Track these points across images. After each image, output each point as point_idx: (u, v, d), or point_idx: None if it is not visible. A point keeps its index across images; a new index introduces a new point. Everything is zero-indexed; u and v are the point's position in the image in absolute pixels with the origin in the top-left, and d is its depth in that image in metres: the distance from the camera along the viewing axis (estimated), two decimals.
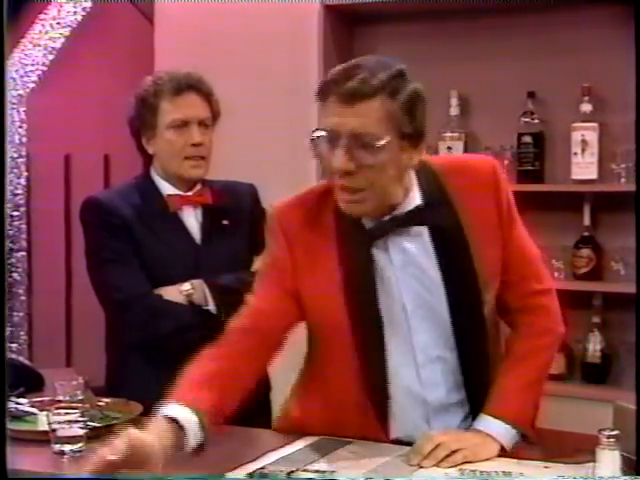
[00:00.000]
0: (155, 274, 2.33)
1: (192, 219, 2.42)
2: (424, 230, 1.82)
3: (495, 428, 1.85)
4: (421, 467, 1.75)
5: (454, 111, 3.51)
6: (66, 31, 4.23)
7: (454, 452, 1.78)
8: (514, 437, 1.87)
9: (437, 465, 1.75)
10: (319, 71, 3.58)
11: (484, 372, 1.91)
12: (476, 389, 1.90)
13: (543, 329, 1.92)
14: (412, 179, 1.82)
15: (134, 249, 2.33)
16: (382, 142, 1.67)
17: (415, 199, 1.82)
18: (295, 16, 3.63)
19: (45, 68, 4.25)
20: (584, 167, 3.28)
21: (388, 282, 1.84)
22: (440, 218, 1.81)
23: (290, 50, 3.65)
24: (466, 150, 3.50)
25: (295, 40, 3.65)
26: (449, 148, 3.50)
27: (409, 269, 1.84)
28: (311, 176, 3.60)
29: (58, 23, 4.20)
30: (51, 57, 4.25)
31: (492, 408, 1.87)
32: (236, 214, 2.47)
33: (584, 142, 3.27)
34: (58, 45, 4.24)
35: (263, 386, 2.46)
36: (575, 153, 3.29)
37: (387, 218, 1.81)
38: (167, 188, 2.40)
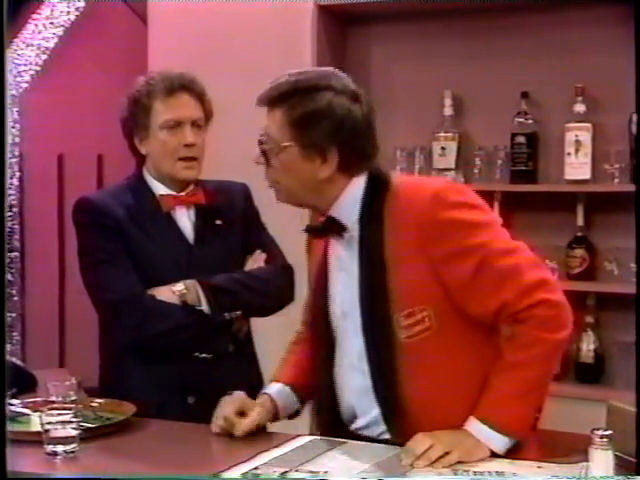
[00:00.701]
0: (148, 275, 2.32)
1: (185, 219, 2.41)
2: (355, 241, 1.90)
3: (485, 434, 1.82)
4: (413, 467, 1.75)
5: (448, 111, 3.51)
6: (59, 31, 4.22)
7: (447, 453, 1.77)
8: (506, 443, 1.83)
9: (430, 465, 1.75)
10: None
11: (394, 393, 1.88)
12: (387, 408, 1.89)
13: (534, 339, 1.82)
14: (348, 193, 1.90)
15: (126, 250, 2.32)
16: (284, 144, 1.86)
17: (346, 210, 1.90)
18: (288, 16, 3.63)
19: (38, 68, 4.24)
20: (578, 167, 3.28)
21: (333, 282, 1.97)
22: (368, 233, 1.88)
23: (283, 50, 3.65)
24: (459, 149, 3.51)
25: (288, 40, 3.64)
26: (443, 148, 3.50)
27: (341, 274, 1.95)
28: None
29: (51, 23, 4.19)
30: (44, 57, 4.24)
31: (483, 413, 1.83)
32: (229, 214, 2.46)
33: (578, 142, 3.28)
34: (51, 45, 4.24)
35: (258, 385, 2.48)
36: (569, 153, 3.29)
37: (321, 220, 1.97)
38: (160, 188, 2.39)
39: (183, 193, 2.40)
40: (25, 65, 4.21)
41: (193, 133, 2.34)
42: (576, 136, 3.27)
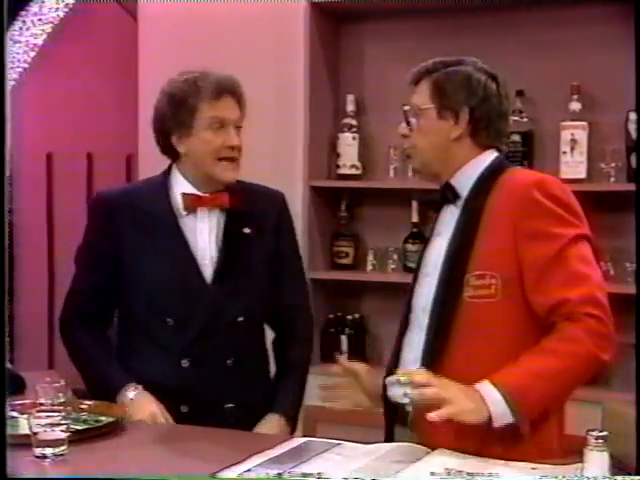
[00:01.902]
0: (149, 280, 2.30)
1: (204, 224, 2.33)
2: (459, 207, 2.05)
3: (491, 396, 1.82)
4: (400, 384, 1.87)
5: None
6: (48, 28, 4.20)
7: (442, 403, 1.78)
8: (506, 415, 1.82)
9: (419, 402, 1.82)
10: (305, 69, 3.56)
11: (441, 347, 1.96)
12: (430, 361, 1.96)
13: (577, 338, 1.86)
14: (472, 165, 2.05)
15: (113, 258, 2.32)
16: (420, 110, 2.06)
17: (464, 180, 2.05)
18: (281, 14, 3.62)
19: (26, 65, 4.21)
20: (573, 166, 3.27)
21: (428, 248, 2.13)
22: (474, 201, 2.02)
23: (276, 48, 3.64)
24: None
25: (281, 38, 3.63)
26: None
27: (437, 239, 2.09)
28: (297, 175, 3.58)
29: (40, 20, 4.17)
30: (32, 54, 4.21)
31: (498, 378, 1.85)
32: (259, 221, 2.39)
33: (573, 141, 3.27)
34: (40, 42, 4.21)
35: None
36: (564, 152, 3.28)
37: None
38: (185, 187, 2.33)
39: (207, 194, 2.34)
40: (13, 62, 4.17)
41: (236, 134, 2.31)
42: (572, 135, 3.26)
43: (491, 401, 1.82)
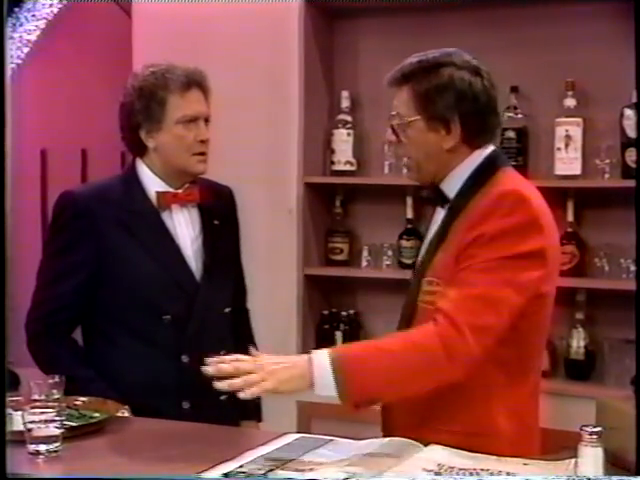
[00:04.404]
0: (133, 273, 2.28)
1: (181, 217, 2.35)
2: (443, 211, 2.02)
3: (318, 355, 1.79)
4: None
5: None
6: (42, 24, 4.18)
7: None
8: (329, 384, 1.77)
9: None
10: (299, 66, 3.56)
11: None
12: None
13: (425, 331, 1.84)
14: (463, 166, 1.99)
15: (95, 257, 2.27)
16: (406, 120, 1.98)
17: (453, 183, 2.00)
18: (275, 11, 3.60)
19: (20, 61, 4.19)
20: (568, 162, 3.27)
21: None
22: (455, 204, 1.98)
23: (270, 45, 3.63)
24: None
25: (275, 35, 3.62)
26: None
27: (427, 239, 2.07)
28: (291, 172, 3.57)
29: (33, 16, 4.14)
30: (26, 50, 4.19)
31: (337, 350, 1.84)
32: (225, 214, 2.45)
33: (568, 137, 3.26)
34: (33, 38, 4.19)
35: None
36: (559, 148, 3.27)
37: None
38: (157, 185, 2.33)
39: (180, 190, 2.35)
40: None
41: (205, 128, 2.32)
42: (566, 131, 3.26)
43: (317, 365, 1.78)
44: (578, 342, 3.30)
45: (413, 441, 1.84)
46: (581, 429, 1.56)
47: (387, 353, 1.83)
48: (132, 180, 2.35)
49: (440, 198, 2.03)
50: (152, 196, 2.32)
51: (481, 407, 1.94)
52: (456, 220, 1.95)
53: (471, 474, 1.68)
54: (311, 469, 1.69)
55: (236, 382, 1.75)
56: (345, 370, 1.78)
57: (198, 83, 2.31)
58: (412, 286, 2.03)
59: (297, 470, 1.69)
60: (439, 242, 1.97)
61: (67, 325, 2.32)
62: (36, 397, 1.95)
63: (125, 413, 2.14)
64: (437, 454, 1.79)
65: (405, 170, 2.13)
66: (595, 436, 1.55)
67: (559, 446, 1.90)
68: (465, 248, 1.88)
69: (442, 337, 1.81)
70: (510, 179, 1.97)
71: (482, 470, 1.70)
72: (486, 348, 1.83)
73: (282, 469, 1.70)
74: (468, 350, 1.81)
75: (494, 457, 1.77)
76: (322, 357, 1.79)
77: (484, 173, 1.98)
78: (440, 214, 2.04)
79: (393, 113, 2.00)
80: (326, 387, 1.78)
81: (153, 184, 2.33)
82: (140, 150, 2.34)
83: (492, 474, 1.67)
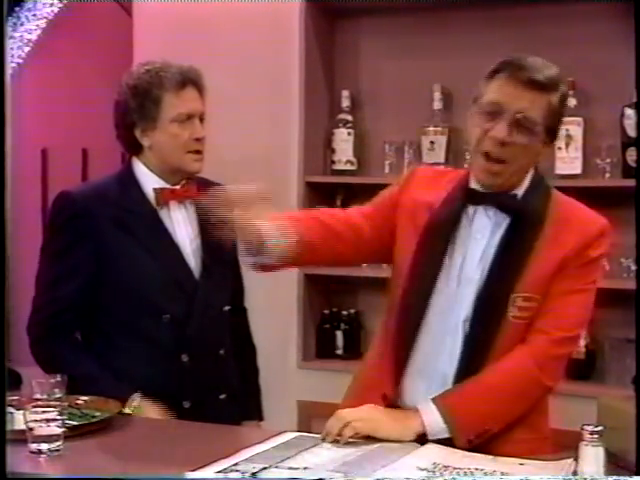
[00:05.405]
0: (133, 273, 2.27)
1: (179, 214, 2.34)
2: (505, 220, 2.00)
3: (425, 406, 1.91)
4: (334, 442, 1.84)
5: (437, 105, 3.50)
6: (42, 23, 4.18)
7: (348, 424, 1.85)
8: (439, 425, 1.89)
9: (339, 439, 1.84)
10: (300, 65, 3.56)
11: (482, 361, 1.98)
12: (466, 371, 1.99)
13: (515, 356, 1.95)
14: (527, 180, 2.03)
15: (95, 256, 2.26)
16: (537, 128, 1.94)
17: (519, 190, 2.02)
18: (276, 10, 3.60)
19: (21, 60, 4.20)
20: (568, 162, 3.27)
21: (458, 247, 2.02)
22: (531, 210, 2.00)
23: (271, 44, 3.63)
24: (449, 144, 3.49)
25: (276, 34, 3.63)
26: (432, 142, 3.49)
27: (473, 241, 2.01)
28: (292, 171, 3.58)
29: (34, 15, 4.15)
30: (27, 49, 4.19)
31: (437, 397, 1.93)
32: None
33: (568, 137, 3.26)
34: (34, 37, 4.19)
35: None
36: (559, 148, 3.27)
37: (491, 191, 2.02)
38: (153, 182, 2.32)
39: (178, 187, 2.34)
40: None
41: (201, 126, 2.32)
42: (567, 130, 3.25)
43: (427, 417, 1.89)
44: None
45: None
46: (582, 428, 1.57)
47: (487, 390, 1.94)
48: (129, 179, 2.34)
49: (500, 205, 2.01)
50: (150, 195, 2.32)
51: (543, 411, 2.07)
52: (540, 233, 1.98)
53: (465, 473, 1.68)
54: (306, 467, 1.69)
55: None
56: (455, 417, 1.89)
57: (193, 81, 2.30)
58: (489, 298, 1.98)
59: (291, 469, 1.69)
60: (523, 255, 1.97)
61: (69, 326, 2.31)
62: (38, 396, 1.95)
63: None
64: (432, 453, 1.80)
65: (494, 177, 1.97)
66: (596, 435, 1.55)
67: (560, 446, 1.91)
68: (563, 268, 1.96)
69: (536, 356, 1.94)
70: (572, 201, 2.12)
71: (477, 470, 1.70)
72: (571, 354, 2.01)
73: (276, 467, 1.69)
74: (561, 364, 2.00)
75: (490, 457, 1.78)
76: (429, 408, 1.90)
77: (542, 184, 2.06)
78: (484, 219, 2.01)
79: (519, 115, 1.93)
80: (437, 426, 1.90)
81: (150, 182, 2.33)
82: (135, 148, 2.34)
83: (486, 474, 1.67)
